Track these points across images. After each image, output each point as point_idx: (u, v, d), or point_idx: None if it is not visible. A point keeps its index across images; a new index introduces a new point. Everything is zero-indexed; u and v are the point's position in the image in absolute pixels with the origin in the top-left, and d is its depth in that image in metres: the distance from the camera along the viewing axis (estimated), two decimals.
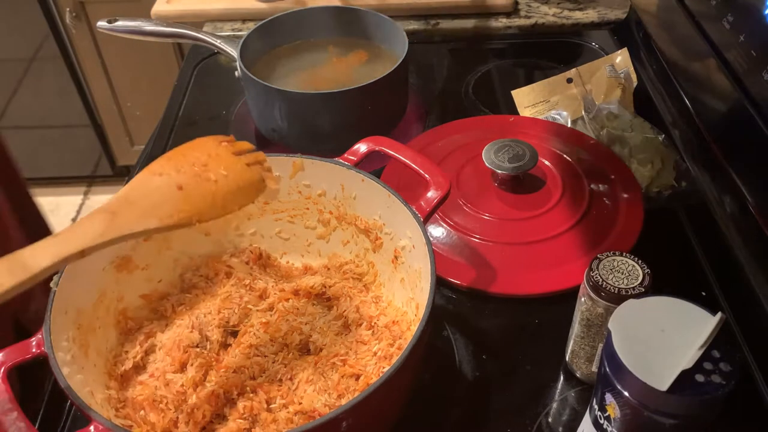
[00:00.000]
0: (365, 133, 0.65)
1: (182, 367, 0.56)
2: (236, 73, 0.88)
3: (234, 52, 0.87)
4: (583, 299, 0.56)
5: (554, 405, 0.60)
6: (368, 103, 0.83)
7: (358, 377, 0.56)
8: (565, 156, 0.81)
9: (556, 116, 0.89)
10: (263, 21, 0.93)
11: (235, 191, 0.49)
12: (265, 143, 0.91)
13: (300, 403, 0.53)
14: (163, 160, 0.49)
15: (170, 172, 0.47)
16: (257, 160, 0.53)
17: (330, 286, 0.64)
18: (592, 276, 0.54)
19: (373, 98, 0.83)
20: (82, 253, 0.41)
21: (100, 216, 0.42)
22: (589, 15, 1.14)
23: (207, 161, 0.49)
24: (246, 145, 0.54)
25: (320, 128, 0.85)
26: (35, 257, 0.38)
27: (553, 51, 1.08)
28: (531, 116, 0.90)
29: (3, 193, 0.82)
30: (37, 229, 0.90)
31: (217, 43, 0.89)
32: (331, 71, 0.93)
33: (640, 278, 0.53)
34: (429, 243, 0.54)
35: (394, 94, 0.89)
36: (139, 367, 0.58)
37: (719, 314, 0.43)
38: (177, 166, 0.48)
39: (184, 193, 0.46)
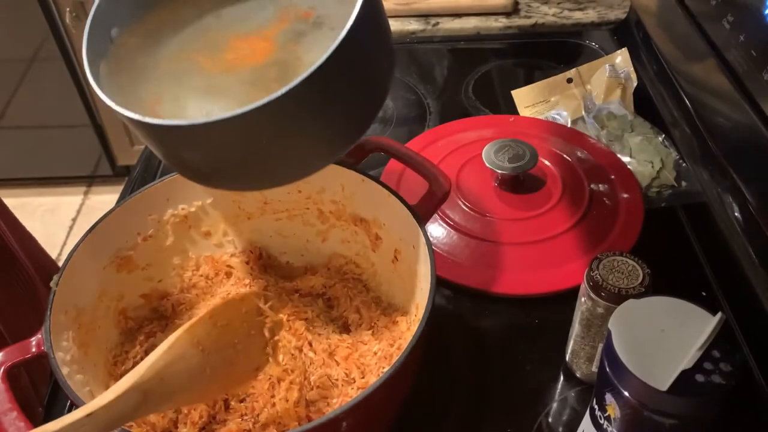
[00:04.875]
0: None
1: None
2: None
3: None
4: (583, 299, 0.56)
5: (554, 405, 0.60)
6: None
7: (358, 377, 0.56)
8: (565, 156, 0.81)
9: (556, 116, 0.89)
10: None
11: (246, 379, 0.52)
12: None
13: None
14: (208, 327, 0.48)
15: (209, 348, 0.47)
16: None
17: (330, 287, 0.64)
18: (592, 276, 0.54)
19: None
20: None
21: (134, 396, 0.42)
22: (589, 15, 1.14)
23: (240, 345, 0.50)
24: None
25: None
26: None
27: (553, 51, 1.08)
28: (531, 116, 0.90)
29: None
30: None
31: None
32: (249, 48, 0.49)
33: (640, 278, 0.53)
34: (429, 243, 0.54)
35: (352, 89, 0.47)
36: None
37: (719, 314, 0.43)
38: (217, 343, 0.48)
39: (211, 377, 0.47)
